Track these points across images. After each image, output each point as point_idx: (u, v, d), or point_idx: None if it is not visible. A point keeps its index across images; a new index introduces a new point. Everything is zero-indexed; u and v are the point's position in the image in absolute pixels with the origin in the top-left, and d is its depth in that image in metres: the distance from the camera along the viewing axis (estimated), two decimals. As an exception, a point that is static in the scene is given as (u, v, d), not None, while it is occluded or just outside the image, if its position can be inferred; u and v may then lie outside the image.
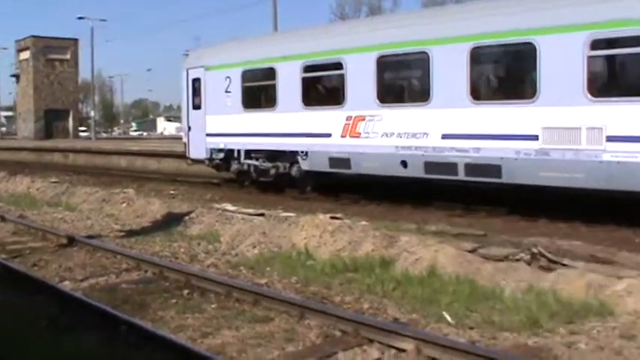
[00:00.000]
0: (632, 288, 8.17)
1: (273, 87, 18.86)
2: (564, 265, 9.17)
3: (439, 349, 6.67)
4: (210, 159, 21.21)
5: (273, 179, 19.43)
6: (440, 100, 14.93)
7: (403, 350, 6.91)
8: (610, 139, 12.27)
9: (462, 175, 14.68)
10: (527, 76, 13.88)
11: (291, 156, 18.64)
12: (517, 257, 9.66)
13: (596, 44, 12.50)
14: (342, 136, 16.96)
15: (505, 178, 13.98)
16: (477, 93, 14.51)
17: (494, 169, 13.99)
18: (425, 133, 15.21)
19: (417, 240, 10.99)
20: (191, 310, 8.60)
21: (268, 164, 19.37)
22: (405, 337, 6.98)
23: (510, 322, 7.82)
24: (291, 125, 18.34)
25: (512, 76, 15.00)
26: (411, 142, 15.45)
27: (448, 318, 8.06)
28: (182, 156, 24.17)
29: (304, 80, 18.07)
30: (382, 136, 16.08)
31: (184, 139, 22.53)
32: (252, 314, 8.36)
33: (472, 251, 10.28)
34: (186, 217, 15.35)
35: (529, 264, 9.44)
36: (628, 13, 12.02)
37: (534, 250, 9.56)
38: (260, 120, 19.37)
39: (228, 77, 20.16)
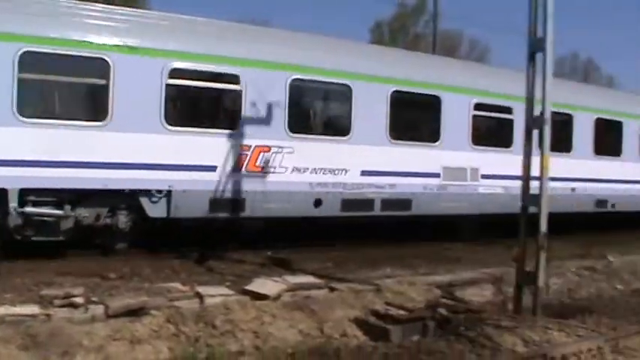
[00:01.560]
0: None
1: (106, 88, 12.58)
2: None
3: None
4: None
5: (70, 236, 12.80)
6: (360, 136, 15.26)
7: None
8: (483, 176, 17.31)
9: (377, 211, 15.54)
10: (433, 123, 16.58)
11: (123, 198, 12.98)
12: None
13: (477, 106, 17.29)
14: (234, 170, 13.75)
15: (414, 211, 16.08)
16: (395, 133, 15.79)
17: (406, 203, 15.88)
18: (344, 169, 15.09)
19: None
20: None
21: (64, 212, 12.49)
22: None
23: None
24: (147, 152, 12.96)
25: (423, 122, 16.98)
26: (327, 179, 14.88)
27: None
28: None
29: (167, 88, 13.12)
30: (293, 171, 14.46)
31: None
32: None
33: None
34: None
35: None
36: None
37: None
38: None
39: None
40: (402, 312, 9.60)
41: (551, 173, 10.31)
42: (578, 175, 19.22)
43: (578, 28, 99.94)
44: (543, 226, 10.26)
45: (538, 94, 10.41)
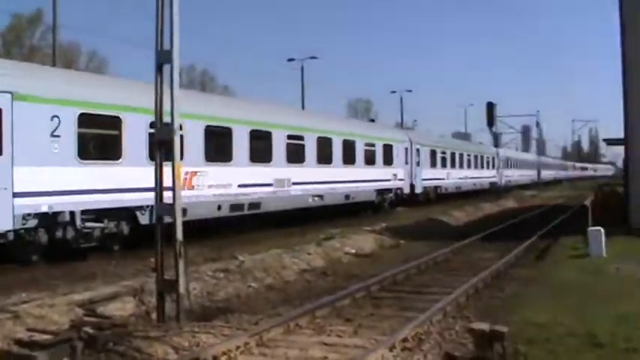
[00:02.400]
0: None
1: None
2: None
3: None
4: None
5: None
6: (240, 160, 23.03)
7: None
8: (293, 183, 26.15)
9: (246, 210, 23.40)
10: (266, 148, 24.88)
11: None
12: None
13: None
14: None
15: (262, 209, 24.25)
16: (253, 158, 23.85)
17: (258, 205, 24.02)
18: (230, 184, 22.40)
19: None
20: None
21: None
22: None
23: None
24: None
25: (262, 147, 24.58)
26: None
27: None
28: None
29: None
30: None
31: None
32: None
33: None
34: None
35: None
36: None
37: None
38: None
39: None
40: (46, 336, 9.15)
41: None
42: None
43: (194, 41, 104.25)
44: (179, 233, 10.37)
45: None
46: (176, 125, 10.55)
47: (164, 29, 10.59)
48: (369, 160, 34.04)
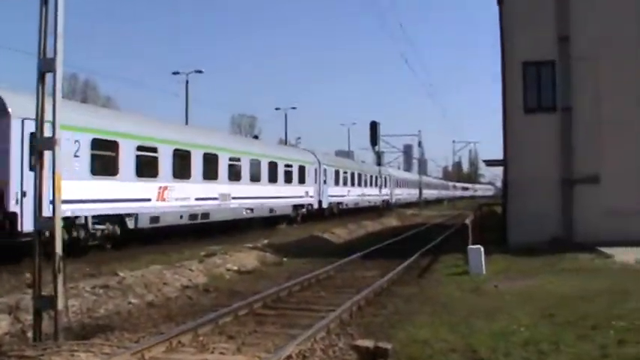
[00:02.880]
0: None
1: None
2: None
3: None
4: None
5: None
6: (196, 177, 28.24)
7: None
8: (233, 198, 31.17)
9: (199, 220, 28.32)
10: (215, 168, 30.07)
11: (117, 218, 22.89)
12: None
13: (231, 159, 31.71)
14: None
15: (211, 218, 29.31)
16: (207, 174, 29.01)
17: (208, 215, 29.02)
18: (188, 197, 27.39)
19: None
20: None
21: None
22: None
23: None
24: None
25: (212, 167, 29.57)
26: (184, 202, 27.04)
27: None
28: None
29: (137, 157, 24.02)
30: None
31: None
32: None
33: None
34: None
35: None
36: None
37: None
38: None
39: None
40: None
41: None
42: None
43: (76, 50, 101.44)
44: (59, 248, 9.96)
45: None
46: (57, 136, 10.19)
47: (47, 37, 10.26)
48: (288, 179, 39.74)
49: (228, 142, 34.57)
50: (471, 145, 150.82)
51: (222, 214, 30.34)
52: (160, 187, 25.21)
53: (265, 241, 27.20)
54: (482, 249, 18.47)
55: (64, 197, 10.56)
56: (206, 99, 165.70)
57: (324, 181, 47.13)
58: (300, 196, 41.91)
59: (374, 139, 51.20)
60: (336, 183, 50.78)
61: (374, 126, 50.56)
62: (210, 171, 29.26)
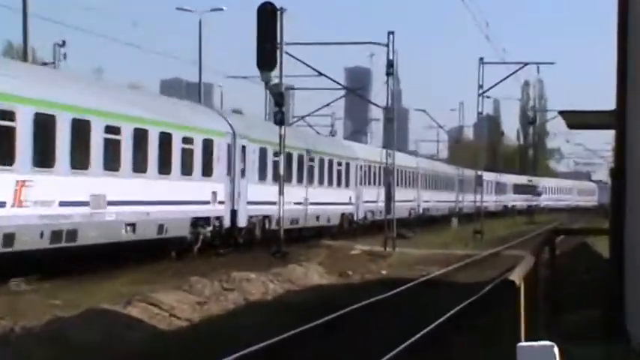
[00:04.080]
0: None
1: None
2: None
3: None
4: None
5: None
6: (65, 164, 17.91)
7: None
8: (109, 203, 19.29)
9: (64, 241, 17.31)
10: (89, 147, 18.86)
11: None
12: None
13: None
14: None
15: (79, 241, 17.92)
16: (75, 160, 18.22)
17: (76, 232, 17.89)
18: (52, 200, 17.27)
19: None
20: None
21: None
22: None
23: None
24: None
25: (82, 145, 18.50)
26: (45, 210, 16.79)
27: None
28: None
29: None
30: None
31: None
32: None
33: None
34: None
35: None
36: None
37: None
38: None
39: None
40: None
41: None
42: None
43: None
44: None
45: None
46: None
47: None
48: (187, 168, 23.84)
49: (113, 98, 21.22)
50: (530, 72, 59.46)
51: (93, 231, 18.79)
52: (18, 183, 15.84)
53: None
54: (555, 350, 5.26)
55: None
56: None
57: (242, 173, 27.34)
58: (205, 202, 24.61)
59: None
60: (262, 177, 29.26)
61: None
62: (79, 153, 18.51)
